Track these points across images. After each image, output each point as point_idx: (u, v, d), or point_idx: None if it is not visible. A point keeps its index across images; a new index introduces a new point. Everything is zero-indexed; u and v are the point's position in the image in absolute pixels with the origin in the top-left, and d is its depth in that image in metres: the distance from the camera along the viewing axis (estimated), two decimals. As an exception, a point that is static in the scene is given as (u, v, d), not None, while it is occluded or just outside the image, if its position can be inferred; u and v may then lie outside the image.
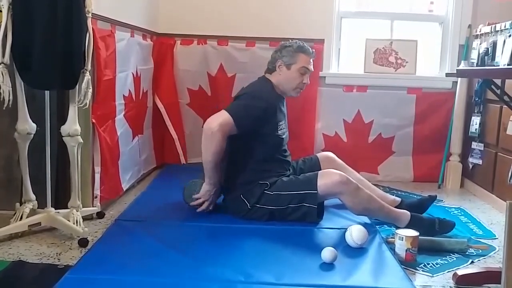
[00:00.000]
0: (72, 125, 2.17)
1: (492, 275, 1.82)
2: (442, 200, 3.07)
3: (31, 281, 1.80)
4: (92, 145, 2.46)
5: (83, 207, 2.30)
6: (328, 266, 1.88)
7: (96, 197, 2.49)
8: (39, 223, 2.18)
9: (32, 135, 2.16)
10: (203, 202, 2.42)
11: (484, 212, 2.89)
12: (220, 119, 2.28)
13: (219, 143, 2.27)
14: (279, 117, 2.46)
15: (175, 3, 3.57)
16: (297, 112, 3.53)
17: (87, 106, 2.21)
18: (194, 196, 2.43)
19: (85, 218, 2.33)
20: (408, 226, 2.31)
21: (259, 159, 2.41)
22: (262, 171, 2.41)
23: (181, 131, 3.62)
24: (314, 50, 2.55)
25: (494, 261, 2.11)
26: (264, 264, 1.88)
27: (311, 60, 2.51)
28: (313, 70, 2.54)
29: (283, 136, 2.49)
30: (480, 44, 3.19)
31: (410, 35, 3.64)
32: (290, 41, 2.53)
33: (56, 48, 2.01)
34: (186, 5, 3.57)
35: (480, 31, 3.27)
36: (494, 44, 2.97)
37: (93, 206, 2.46)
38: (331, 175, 2.33)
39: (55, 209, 2.27)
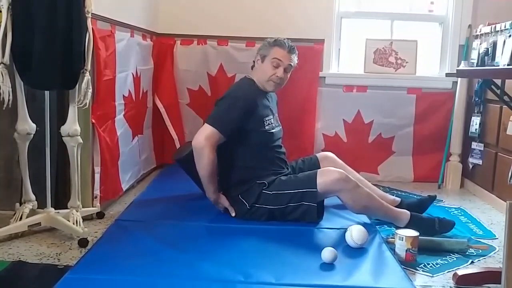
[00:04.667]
0: (72, 125, 2.17)
1: (492, 275, 1.83)
2: (442, 200, 3.07)
3: (31, 281, 1.80)
4: (92, 145, 2.46)
5: (83, 207, 2.31)
6: (328, 266, 1.88)
7: (96, 197, 2.49)
8: (39, 223, 2.18)
9: (32, 135, 2.16)
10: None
11: (484, 212, 2.89)
12: (205, 132, 2.30)
13: (210, 156, 2.29)
14: (263, 112, 2.44)
15: (175, 3, 3.57)
16: (297, 112, 3.53)
17: (87, 106, 2.21)
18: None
19: (85, 218, 2.33)
20: (408, 226, 2.31)
21: (251, 157, 2.41)
22: (257, 169, 2.40)
23: (181, 131, 3.62)
24: (293, 45, 2.50)
25: (494, 261, 2.11)
26: (264, 264, 1.88)
27: (291, 56, 2.46)
28: (291, 65, 2.47)
29: (272, 131, 2.47)
30: (480, 44, 3.19)
31: (410, 35, 3.64)
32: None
33: (56, 48, 2.01)
34: (186, 5, 3.57)
35: (480, 31, 3.26)
36: (494, 44, 2.97)
37: (93, 206, 2.46)
38: (331, 173, 2.33)
39: (55, 209, 2.27)
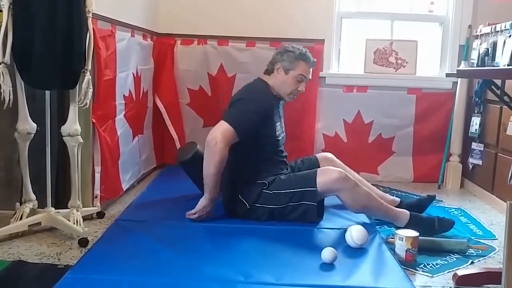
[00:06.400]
0: (72, 125, 2.17)
1: (492, 276, 1.83)
2: (442, 201, 3.07)
3: (31, 281, 1.80)
4: (92, 145, 2.46)
5: (83, 207, 2.31)
6: (328, 266, 1.88)
7: (96, 197, 2.49)
8: (39, 223, 2.18)
9: (32, 135, 2.16)
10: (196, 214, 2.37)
11: (484, 212, 2.89)
12: (222, 128, 2.26)
13: (223, 155, 2.25)
14: (275, 118, 2.46)
15: (175, 3, 3.57)
16: (297, 112, 3.53)
17: (87, 106, 2.21)
18: (188, 212, 2.37)
19: (85, 218, 2.33)
20: (407, 225, 2.32)
21: (256, 160, 2.41)
22: (259, 171, 2.40)
23: (181, 131, 3.62)
24: (315, 60, 2.53)
25: (494, 262, 2.11)
26: (264, 264, 1.88)
27: (311, 69, 2.50)
28: (310, 78, 2.52)
29: (279, 138, 2.49)
30: (480, 44, 3.19)
31: (410, 36, 3.64)
32: (294, 46, 2.51)
33: (56, 48, 2.01)
34: (186, 5, 3.57)
35: (480, 31, 3.27)
36: (494, 45, 2.97)
37: (93, 206, 2.46)
38: (330, 172, 2.33)
39: (55, 209, 2.27)
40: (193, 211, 2.37)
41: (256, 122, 2.34)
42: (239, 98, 2.41)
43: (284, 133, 2.59)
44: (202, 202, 2.35)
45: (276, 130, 2.45)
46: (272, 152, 2.48)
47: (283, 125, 2.60)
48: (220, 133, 2.25)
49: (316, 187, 2.30)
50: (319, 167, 2.60)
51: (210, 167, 2.28)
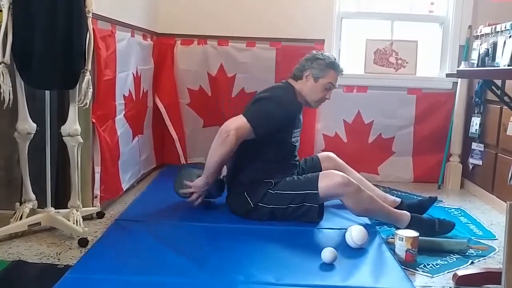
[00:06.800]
0: (72, 125, 2.17)
1: (492, 276, 1.83)
2: (442, 201, 3.07)
3: (31, 281, 1.80)
4: (92, 145, 2.46)
5: (83, 207, 2.31)
6: (328, 267, 1.88)
7: (96, 197, 2.49)
8: (39, 223, 2.18)
9: (32, 135, 2.16)
10: (192, 193, 2.45)
11: (484, 212, 2.89)
12: (239, 123, 2.27)
13: (231, 148, 2.26)
14: (296, 125, 2.47)
15: (175, 3, 3.57)
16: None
17: (87, 106, 2.21)
18: (186, 183, 2.46)
19: (85, 218, 2.33)
20: (408, 227, 2.31)
21: (268, 161, 2.41)
22: (270, 172, 2.40)
23: (181, 131, 3.62)
24: (343, 68, 2.55)
25: (494, 262, 2.11)
26: (264, 264, 1.88)
27: (338, 77, 2.52)
28: (337, 86, 2.53)
29: (296, 144, 2.51)
30: (481, 44, 3.19)
31: (411, 36, 3.64)
32: (323, 53, 2.53)
33: (56, 48, 2.01)
34: (186, 5, 3.57)
35: (480, 31, 3.26)
36: (495, 45, 2.97)
37: (93, 206, 2.46)
38: (333, 176, 2.33)
39: (55, 208, 2.27)
40: (189, 184, 2.43)
41: (276, 127, 2.34)
42: (265, 97, 2.39)
43: (299, 138, 2.59)
44: (198, 182, 2.41)
45: (293, 136, 2.46)
46: (288, 157, 2.49)
47: (300, 131, 2.59)
48: (235, 127, 2.25)
49: (317, 191, 2.30)
50: (321, 166, 2.62)
51: (216, 155, 2.30)
